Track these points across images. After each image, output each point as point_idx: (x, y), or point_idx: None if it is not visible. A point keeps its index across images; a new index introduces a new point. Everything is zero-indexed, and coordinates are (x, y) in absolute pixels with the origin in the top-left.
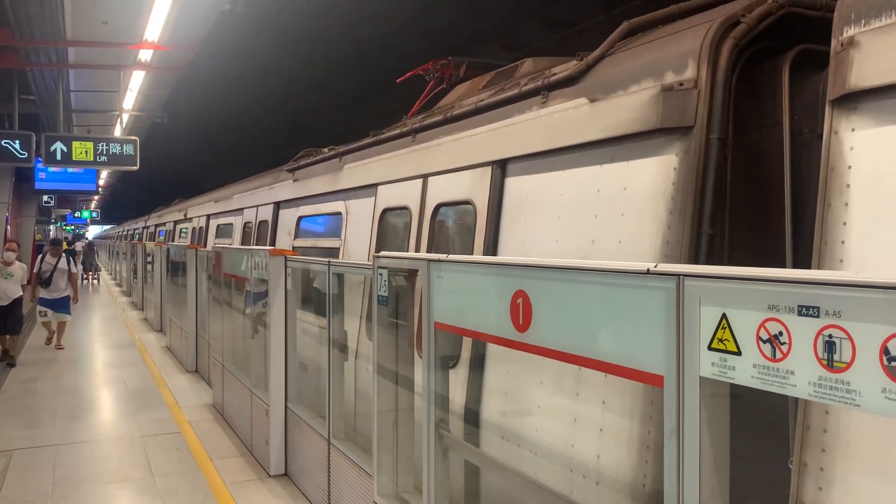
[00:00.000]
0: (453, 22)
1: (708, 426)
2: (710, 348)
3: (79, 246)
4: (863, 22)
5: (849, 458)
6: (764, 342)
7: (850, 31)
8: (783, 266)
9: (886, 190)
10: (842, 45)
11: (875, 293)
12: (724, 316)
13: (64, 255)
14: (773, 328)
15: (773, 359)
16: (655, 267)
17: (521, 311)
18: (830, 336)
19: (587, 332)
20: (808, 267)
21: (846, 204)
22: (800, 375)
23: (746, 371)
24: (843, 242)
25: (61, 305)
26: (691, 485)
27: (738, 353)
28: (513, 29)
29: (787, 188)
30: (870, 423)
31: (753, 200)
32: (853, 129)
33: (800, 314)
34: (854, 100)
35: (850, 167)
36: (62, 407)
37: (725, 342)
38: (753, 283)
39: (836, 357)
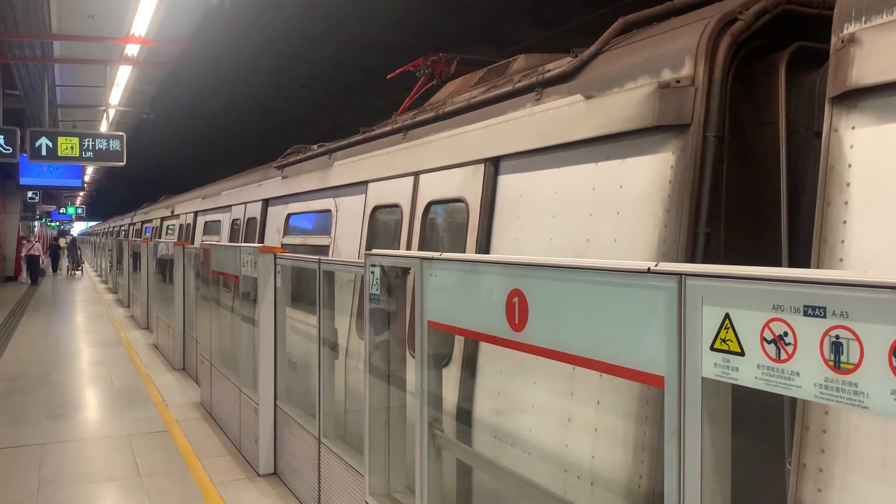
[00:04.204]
0: (441, 19)
1: (709, 428)
2: (712, 349)
3: (62, 242)
4: (864, 19)
5: (848, 459)
6: (768, 343)
7: (850, 28)
8: (779, 264)
9: (887, 188)
10: (842, 41)
11: (884, 293)
12: (727, 316)
13: None
14: (778, 328)
15: (778, 360)
16: (656, 266)
17: (518, 310)
18: (837, 337)
19: (585, 332)
20: (806, 265)
21: (846, 202)
22: (805, 377)
23: (750, 372)
24: (843, 241)
25: None
26: (692, 487)
27: (742, 353)
28: (500, 26)
29: (784, 186)
30: (870, 424)
31: (750, 198)
32: (853, 127)
33: (805, 314)
34: (855, 97)
35: (850, 165)
36: (47, 405)
37: (728, 342)
38: (758, 282)
39: (843, 358)
